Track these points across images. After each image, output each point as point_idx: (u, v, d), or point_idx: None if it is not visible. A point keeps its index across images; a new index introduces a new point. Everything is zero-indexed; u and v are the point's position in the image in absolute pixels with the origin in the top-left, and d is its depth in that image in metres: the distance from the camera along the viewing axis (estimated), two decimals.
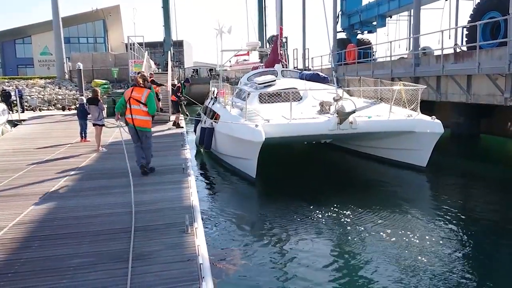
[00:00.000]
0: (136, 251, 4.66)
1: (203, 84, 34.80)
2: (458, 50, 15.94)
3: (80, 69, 23.09)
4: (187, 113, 15.50)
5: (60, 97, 27.08)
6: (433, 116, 10.64)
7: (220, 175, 11.50)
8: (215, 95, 14.50)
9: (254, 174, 9.75)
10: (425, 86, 12.77)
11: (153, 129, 8.89)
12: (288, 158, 13.83)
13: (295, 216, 7.66)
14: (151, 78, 15.47)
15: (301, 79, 14.36)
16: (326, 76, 14.46)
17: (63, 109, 24.63)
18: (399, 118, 10.60)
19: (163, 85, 18.15)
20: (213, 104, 13.87)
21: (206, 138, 12.12)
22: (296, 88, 11.82)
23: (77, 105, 13.24)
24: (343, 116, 9.61)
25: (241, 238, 6.66)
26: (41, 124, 17.95)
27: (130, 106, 8.03)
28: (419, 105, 10.99)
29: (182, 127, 15.55)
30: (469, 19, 14.90)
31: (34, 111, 24.19)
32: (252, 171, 9.75)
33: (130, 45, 24.80)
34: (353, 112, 9.75)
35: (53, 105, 26.19)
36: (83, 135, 12.62)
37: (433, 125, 10.37)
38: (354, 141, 12.46)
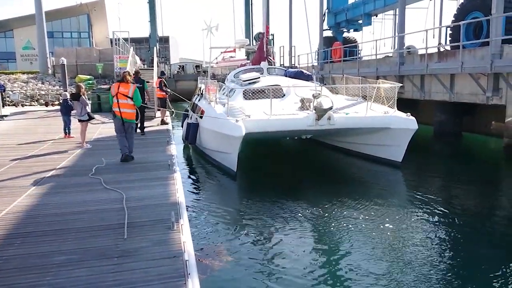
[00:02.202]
0: (121, 247, 4.64)
1: (189, 80, 34.64)
2: (442, 49, 16.18)
3: (64, 64, 22.76)
4: (172, 109, 15.42)
5: (43, 92, 26.66)
6: (408, 113, 10.94)
7: (206, 170, 11.58)
8: (202, 92, 14.57)
9: (235, 168, 9.99)
10: (401, 84, 13.08)
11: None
12: (271, 153, 14.05)
13: (278, 211, 7.79)
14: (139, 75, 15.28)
15: (286, 76, 14.56)
16: (310, 74, 14.68)
17: (46, 104, 24.25)
18: (375, 115, 10.91)
19: (148, 81, 18.02)
20: (199, 100, 13.97)
21: (191, 133, 12.31)
22: (279, 85, 12.05)
23: (61, 101, 13.05)
24: (320, 112, 9.91)
25: (226, 234, 6.69)
26: (23, 119, 17.67)
27: (118, 101, 8.77)
28: (395, 102, 11.30)
29: (168, 123, 15.50)
30: (453, 19, 15.13)
31: (16, 106, 23.76)
32: (233, 165, 9.99)
33: (115, 40, 24.52)
34: (330, 108, 10.05)
35: (36, 101, 25.76)
36: (67, 131, 12.47)
37: (408, 122, 10.68)
38: (334, 136, 12.82)
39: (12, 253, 4.55)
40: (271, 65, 16.22)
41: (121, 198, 6.35)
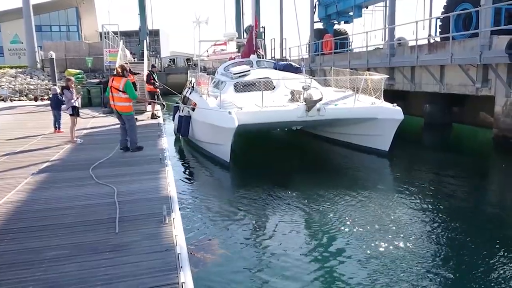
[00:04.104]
0: (112, 242, 4.62)
1: (180, 74, 34.41)
2: (432, 41, 16.25)
3: (53, 58, 22.46)
4: (163, 103, 15.32)
5: (32, 87, 26.33)
6: (395, 104, 11.21)
7: (198, 163, 11.65)
8: (192, 85, 14.60)
9: (228, 159, 10.20)
10: (388, 76, 13.33)
11: None
12: (261, 145, 14.21)
13: (270, 202, 7.90)
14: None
15: (275, 69, 14.70)
16: (298, 66, 14.83)
17: (36, 99, 23.98)
18: (363, 106, 11.17)
19: (138, 73, 17.85)
20: (190, 93, 14.03)
21: (183, 125, 12.43)
22: (269, 78, 12.18)
23: (50, 96, 12.91)
24: (310, 103, 10.17)
25: (219, 227, 6.70)
26: (12, 115, 17.47)
27: (112, 94, 9.08)
28: (382, 93, 11.55)
29: (159, 117, 15.42)
30: (443, 10, 15.19)
31: (5, 101, 23.46)
32: (226, 156, 10.20)
33: (105, 34, 24.24)
34: (320, 100, 10.31)
35: (25, 96, 25.44)
36: (56, 125, 12.35)
37: (394, 112, 10.97)
38: (323, 127, 13.07)
39: (2, 249, 4.51)
40: (260, 58, 16.25)
41: (112, 193, 6.32)
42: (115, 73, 9.50)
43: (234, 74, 13.22)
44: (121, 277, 3.89)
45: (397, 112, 10.94)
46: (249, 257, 5.66)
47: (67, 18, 53.29)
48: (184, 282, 3.74)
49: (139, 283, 3.78)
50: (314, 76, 15.59)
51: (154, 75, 15.76)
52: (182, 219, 5.49)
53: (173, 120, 15.85)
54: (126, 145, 9.40)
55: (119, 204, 5.79)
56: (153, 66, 17.88)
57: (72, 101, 10.99)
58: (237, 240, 6.21)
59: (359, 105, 11.15)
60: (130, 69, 14.73)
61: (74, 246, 4.53)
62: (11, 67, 31.03)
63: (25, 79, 27.54)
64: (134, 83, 12.83)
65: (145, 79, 16.73)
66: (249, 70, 13.46)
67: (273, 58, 30.28)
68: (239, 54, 17.91)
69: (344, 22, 28.05)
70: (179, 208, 5.92)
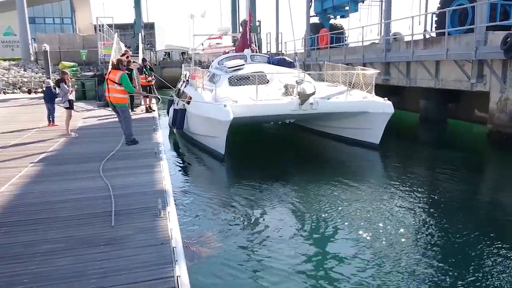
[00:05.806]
0: (108, 235, 4.61)
1: (175, 67, 34.28)
2: (427, 36, 16.27)
3: (47, 51, 22.25)
4: (159, 96, 15.25)
5: (25, 79, 26.09)
6: (385, 98, 11.38)
7: (193, 156, 11.70)
8: (187, 78, 14.59)
9: (223, 151, 10.35)
10: (379, 71, 13.46)
11: None
12: (256, 138, 14.37)
13: (265, 194, 7.97)
14: (127, 57, 14.86)
15: (269, 63, 14.83)
16: (292, 61, 14.91)
17: (29, 92, 23.77)
18: (354, 100, 11.36)
19: (134, 62, 17.73)
20: (185, 86, 14.06)
21: (178, 119, 12.45)
22: (263, 72, 12.27)
23: (44, 88, 12.80)
24: (303, 97, 10.36)
25: (214, 220, 6.72)
26: (5, 108, 17.30)
27: (108, 86, 9.18)
28: (373, 88, 11.72)
29: (154, 111, 15.34)
30: (439, 5, 15.20)
31: None
32: (221, 148, 10.35)
33: (99, 27, 24.05)
34: (313, 94, 10.48)
35: (19, 88, 25.22)
36: (50, 119, 12.25)
37: (385, 106, 11.17)
38: (315, 121, 13.21)
39: None
40: (254, 52, 16.28)
41: (107, 186, 6.29)
42: (110, 66, 9.61)
43: (229, 68, 13.28)
44: (116, 270, 3.88)
45: (387, 106, 11.12)
46: (245, 250, 5.67)
47: (61, 10, 52.70)
48: (179, 276, 3.74)
49: (134, 276, 3.77)
50: (309, 71, 15.68)
51: (146, 69, 15.54)
52: (177, 213, 5.48)
53: (168, 113, 15.82)
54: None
55: (115, 198, 5.76)
56: (143, 59, 17.64)
57: (68, 94, 10.92)
58: (232, 233, 6.22)
59: (351, 99, 11.33)
60: (129, 60, 14.70)
61: (69, 240, 4.51)
62: (4, 60, 30.69)
63: (18, 72, 27.27)
64: (130, 75, 12.79)
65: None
66: (243, 64, 13.55)
67: (269, 52, 30.23)
68: (234, 48, 17.90)
69: (340, 17, 28.05)
70: (174, 201, 5.91)
